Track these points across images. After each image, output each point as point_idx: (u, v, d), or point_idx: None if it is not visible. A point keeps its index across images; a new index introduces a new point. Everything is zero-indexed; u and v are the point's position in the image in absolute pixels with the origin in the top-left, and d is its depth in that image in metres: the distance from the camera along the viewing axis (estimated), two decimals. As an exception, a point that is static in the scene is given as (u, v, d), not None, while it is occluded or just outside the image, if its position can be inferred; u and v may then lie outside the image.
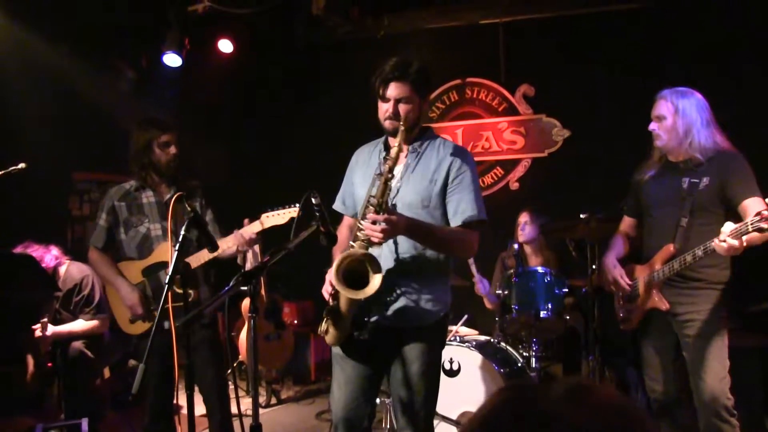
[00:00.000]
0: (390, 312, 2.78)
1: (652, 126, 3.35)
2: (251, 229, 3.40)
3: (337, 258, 2.60)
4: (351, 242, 2.66)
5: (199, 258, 3.41)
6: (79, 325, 4.46)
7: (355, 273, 2.57)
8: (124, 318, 3.54)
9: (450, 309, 2.95)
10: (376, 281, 2.53)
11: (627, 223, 3.70)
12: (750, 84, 5.31)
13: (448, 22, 6.55)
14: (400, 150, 2.68)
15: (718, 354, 3.21)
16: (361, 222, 2.61)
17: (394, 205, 2.75)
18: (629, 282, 3.49)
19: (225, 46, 6.45)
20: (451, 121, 6.67)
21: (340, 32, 6.53)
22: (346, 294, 2.57)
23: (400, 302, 2.76)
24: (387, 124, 2.79)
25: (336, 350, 2.90)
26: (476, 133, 6.55)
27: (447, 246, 2.81)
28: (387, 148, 2.93)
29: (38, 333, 4.30)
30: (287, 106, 7.19)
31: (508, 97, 6.45)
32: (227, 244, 3.39)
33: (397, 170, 2.81)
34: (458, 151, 2.86)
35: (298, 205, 2.95)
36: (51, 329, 4.34)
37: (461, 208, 2.78)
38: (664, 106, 3.30)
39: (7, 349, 4.55)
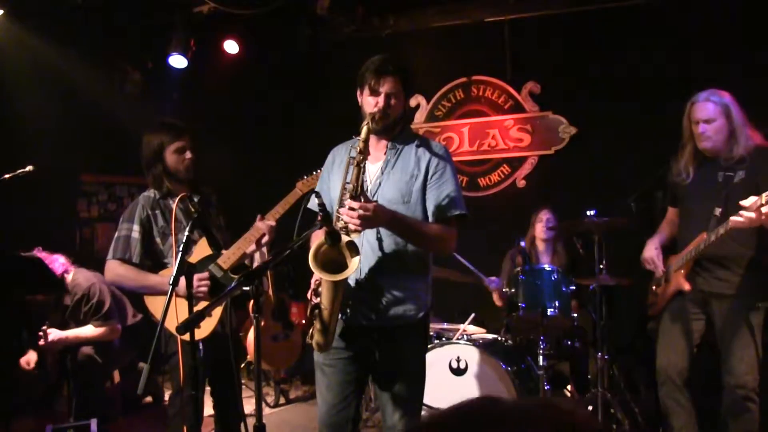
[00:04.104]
0: (372, 311, 2.75)
1: (702, 128, 3.43)
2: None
3: (313, 245, 2.57)
4: None
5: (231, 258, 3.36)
6: (88, 330, 4.45)
7: (336, 263, 2.52)
8: (174, 325, 3.20)
9: (431, 308, 2.92)
10: (354, 263, 2.49)
11: (672, 212, 3.85)
12: (760, 80, 5.27)
13: (454, 20, 6.53)
14: (368, 134, 2.63)
15: (751, 333, 3.33)
16: (339, 210, 2.60)
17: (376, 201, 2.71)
18: (662, 267, 3.67)
19: (230, 46, 6.45)
20: (457, 119, 6.65)
21: (345, 32, 6.52)
22: (325, 278, 2.52)
23: (383, 302, 2.74)
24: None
25: (317, 356, 2.87)
26: (482, 131, 6.53)
27: (428, 241, 2.77)
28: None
29: (41, 342, 4.29)
30: (292, 106, 7.20)
31: (514, 94, 6.43)
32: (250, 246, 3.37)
33: (378, 167, 2.82)
34: (437, 148, 2.87)
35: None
36: (56, 334, 4.34)
37: (442, 203, 2.78)
38: (712, 109, 3.41)
39: (15, 350, 4.58)
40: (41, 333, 4.29)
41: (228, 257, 3.37)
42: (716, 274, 3.44)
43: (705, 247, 3.34)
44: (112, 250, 3.36)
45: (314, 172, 3.51)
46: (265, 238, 3.33)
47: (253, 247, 3.35)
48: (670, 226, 3.83)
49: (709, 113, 3.41)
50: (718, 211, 3.35)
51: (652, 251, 3.71)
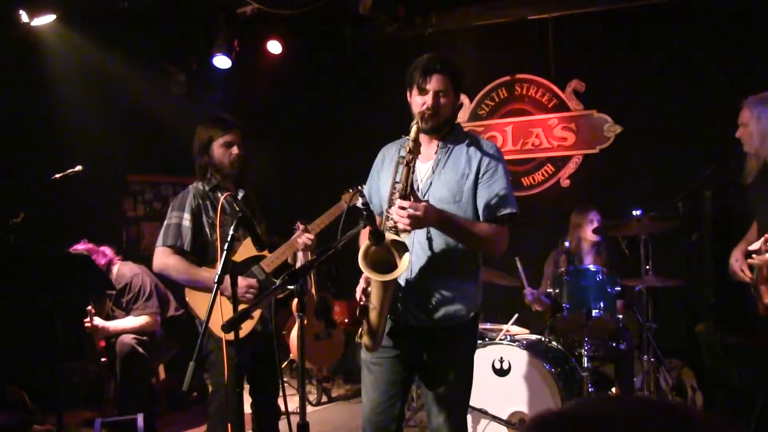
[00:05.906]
0: (421, 311, 2.74)
1: (738, 132, 3.49)
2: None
3: (362, 245, 2.56)
4: None
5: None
6: (130, 322, 4.56)
7: (385, 263, 2.51)
8: (218, 324, 3.05)
9: (481, 308, 2.90)
10: (404, 263, 2.48)
11: None
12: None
13: (497, 18, 6.48)
14: (418, 134, 2.60)
15: None
16: (389, 210, 2.59)
17: (426, 201, 2.70)
18: (750, 275, 3.55)
19: (274, 47, 6.48)
20: (500, 118, 6.61)
21: (387, 31, 6.52)
22: (374, 278, 2.51)
23: (432, 302, 2.73)
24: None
25: (365, 354, 2.86)
26: (526, 130, 6.47)
27: (478, 241, 2.74)
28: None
29: (87, 324, 4.43)
30: (336, 105, 7.22)
31: (558, 93, 6.35)
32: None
33: (429, 166, 2.80)
34: (488, 147, 2.83)
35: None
36: (99, 322, 4.46)
37: (493, 202, 2.74)
38: (744, 114, 3.46)
39: (68, 345, 4.68)
40: (87, 315, 4.40)
41: (271, 261, 3.39)
42: None
43: None
44: (162, 237, 3.34)
45: (359, 186, 3.46)
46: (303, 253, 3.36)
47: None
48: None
49: (741, 118, 3.47)
50: None
51: (733, 263, 3.62)
